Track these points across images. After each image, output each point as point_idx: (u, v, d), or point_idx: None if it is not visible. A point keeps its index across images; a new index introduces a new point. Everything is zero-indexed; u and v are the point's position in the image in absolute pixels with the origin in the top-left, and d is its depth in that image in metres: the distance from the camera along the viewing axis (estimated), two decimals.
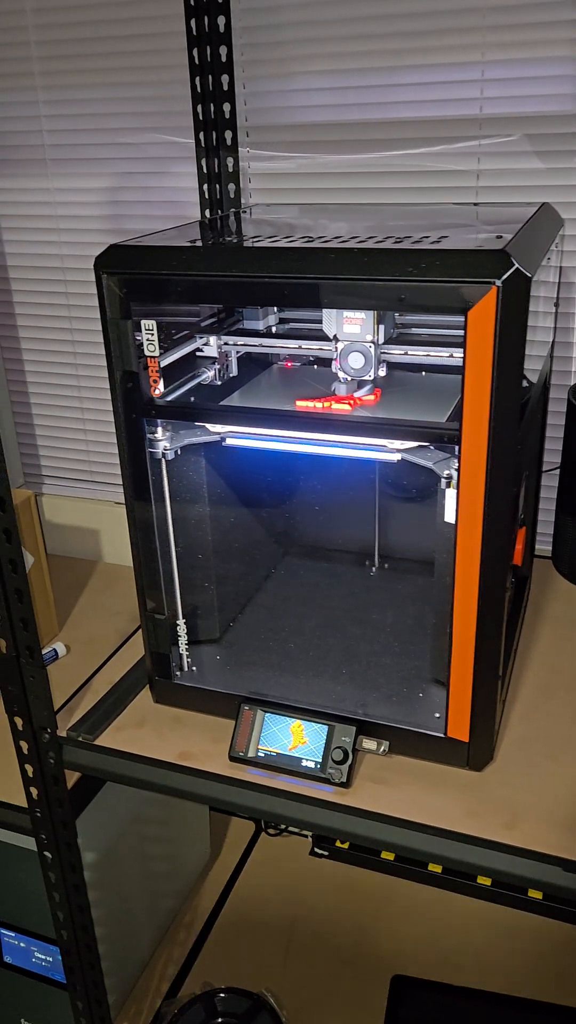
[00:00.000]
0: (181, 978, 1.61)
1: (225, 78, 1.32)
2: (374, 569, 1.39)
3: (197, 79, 1.33)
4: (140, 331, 0.95)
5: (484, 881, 1.69)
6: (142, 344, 0.95)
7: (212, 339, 1.10)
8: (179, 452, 1.04)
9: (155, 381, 0.97)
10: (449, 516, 0.95)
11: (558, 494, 1.38)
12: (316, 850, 1.84)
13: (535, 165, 1.26)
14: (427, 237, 0.88)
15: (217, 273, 0.87)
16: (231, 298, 0.99)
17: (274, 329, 1.17)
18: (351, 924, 1.70)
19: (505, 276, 0.77)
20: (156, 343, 0.95)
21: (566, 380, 1.37)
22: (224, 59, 1.31)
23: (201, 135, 1.36)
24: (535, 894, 1.66)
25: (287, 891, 1.78)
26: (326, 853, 1.83)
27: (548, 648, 1.24)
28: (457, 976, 1.59)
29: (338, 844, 1.82)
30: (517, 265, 0.77)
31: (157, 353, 0.95)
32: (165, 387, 0.99)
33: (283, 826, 1.85)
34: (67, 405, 1.71)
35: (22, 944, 1.35)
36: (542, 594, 1.37)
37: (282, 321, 1.18)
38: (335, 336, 0.96)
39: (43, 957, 1.34)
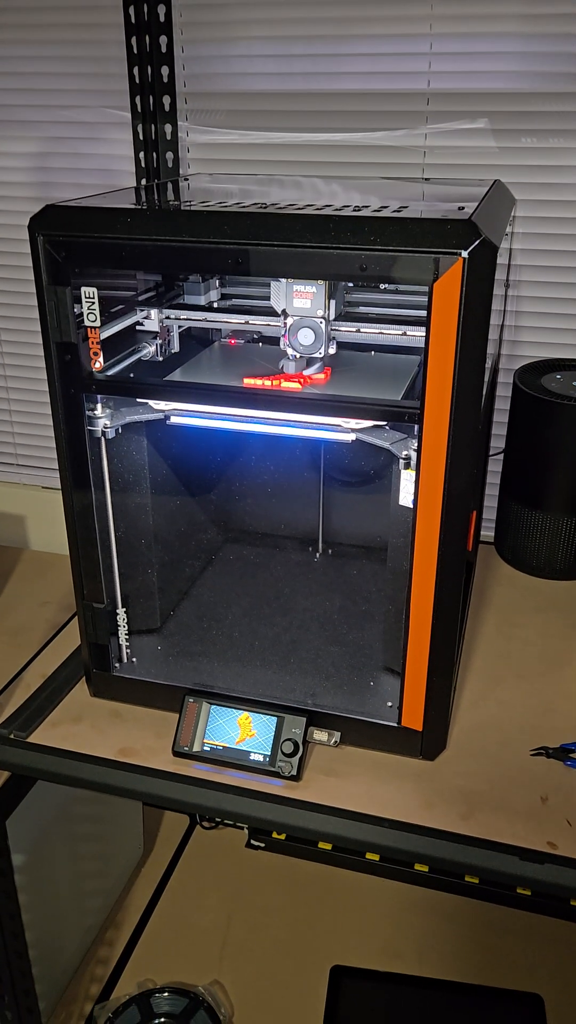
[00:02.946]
0: (114, 979, 1.56)
1: (163, 39, 1.26)
2: (318, 555, 1.35)
3: (133, 39, 1.26)
4: (78, 300, 0.88)
5: (422, 868, 1.69)
6: (80, 314, 0.89)
7: (153, 312, 1.04)
8: (119, 431, 0.98)
9: (95, 354, 0.91)
10: (405, 499, 0.92)
11: (502, 479, 1.37)
12: (252, 842, 1.80)
13: (483, 143, 1.24)
14: (386, 207, 0.84)
15: (167, 238, 0.81)
16: (181, 265, 0.93)
17: (216, 304, 1.12)
18: (289, 916, 1.67)
19: (472, 247, 0.74)
20: (97, 313, 0.88)
21: (508, 364, 1.35)
22: (162, 19, 1.24)
23: (137, 99, 1.30)
24: (472, 879, 1.66)
25: (223, 885, 1.74)
26: (263, 845, 1.80)
27: (494, 634, 1.23)
28: (396, 963, 1.58)
29: (275, 835, 1.78)
30: (485, 234, 0.74)
31: (98, 323, 0.89)
32: (104, 362, 0.93)
33: (219, 818, 1.80)
34: None
35: None
36: (485, 579, 1.36)
37: (224, 297, 1.13)
38: (284, 311, 0.92)
39: None
